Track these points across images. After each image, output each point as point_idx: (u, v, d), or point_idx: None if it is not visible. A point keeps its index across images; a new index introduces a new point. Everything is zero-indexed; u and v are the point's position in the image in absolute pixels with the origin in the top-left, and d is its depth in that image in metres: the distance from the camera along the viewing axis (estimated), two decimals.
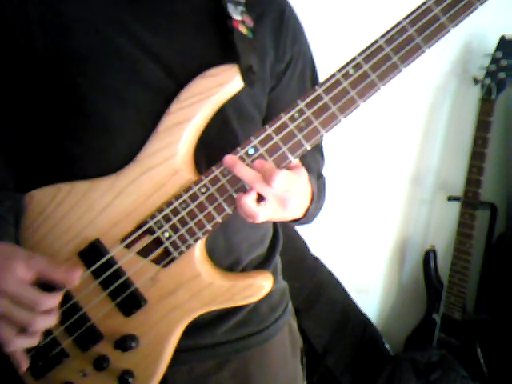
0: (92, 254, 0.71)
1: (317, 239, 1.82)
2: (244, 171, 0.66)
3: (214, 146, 0.74)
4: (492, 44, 1.75)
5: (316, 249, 1.81)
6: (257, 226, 0.79)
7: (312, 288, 1.77)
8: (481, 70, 1.78)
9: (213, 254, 0.76)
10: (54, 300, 0.64)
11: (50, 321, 0.64)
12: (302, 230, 1.77)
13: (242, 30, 0.74)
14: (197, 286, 0.72)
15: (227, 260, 0.78)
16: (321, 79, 0.70)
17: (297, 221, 0.80)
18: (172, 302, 0.72)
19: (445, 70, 1.88)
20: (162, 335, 0.73)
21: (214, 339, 0.78)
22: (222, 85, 0.70)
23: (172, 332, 0.73)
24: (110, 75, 0.71)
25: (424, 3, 0.66)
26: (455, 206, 1.88)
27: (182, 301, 0.72)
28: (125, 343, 0.71)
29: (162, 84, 0.72)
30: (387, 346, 1.89)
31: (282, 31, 0.82)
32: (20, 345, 0.64)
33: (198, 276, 0.72)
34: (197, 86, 0.71)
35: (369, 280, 2.05)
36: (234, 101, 0.73)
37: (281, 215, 0.70)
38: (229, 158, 0.67)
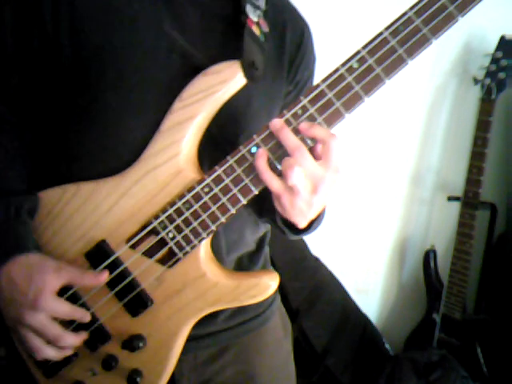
0: (98, 254, 0.71)
1: (317, 239, 1.82)
2: (291, 137, 0.65)
3: (217, 144, 0.74)
4: (492, 44, 1.76)
5: (316, 249, 1.81)
6: (250, 223, 0.81)
7: (312, 288, 1.77)
8: (481, 70, 1.78)
9: (215, 253, 0.76)
10: (85, 317, 0.70)
11: (77, 339, 0.70)
12: None
13: (255, 30, 0.74)
14: (202, 285, 0.72)
15: (228, 257, 0.79)
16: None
17: (298, 231, 0.78)
18: (178, 301, 0.72)
19: (445, 70, 1.88)
20: (169, 335, 0.73)
21: (215, 327, 0.80)
22: (224, 82, 0.69)
23: (179, 332, 0.73)
24: (135, 71, 0.70)
25: None
26: (455, 206, 1.88)
27: (187, 301, 0.72)
28: (132, 343, 0.72)
29: (184, 84, 0.71)
30: (387, 345, 1.89)
31: (297, 54, 0.82)
32: (48, 355, 0.70)
33: (203, 276, 0.72)
34: (199, 83, 0.70)
35: (369, 280, 2.05)
36: (244, 98, 0.73)
37: (305, 203, 0.67)
38: (277, 121, 0.66)
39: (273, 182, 0.65)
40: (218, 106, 0.71)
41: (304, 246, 1.78)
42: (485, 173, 1.78)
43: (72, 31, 0.68)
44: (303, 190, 0.64)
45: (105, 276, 0.70)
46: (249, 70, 0.70)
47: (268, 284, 0.73)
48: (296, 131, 0.66)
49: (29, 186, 0.74)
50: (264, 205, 0.78)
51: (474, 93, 1.82)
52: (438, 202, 2.02)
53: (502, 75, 1.73)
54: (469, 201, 1.81)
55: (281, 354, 0.93)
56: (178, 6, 0.73)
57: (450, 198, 1.91)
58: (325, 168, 0.65)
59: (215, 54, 0.72)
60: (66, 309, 0.68)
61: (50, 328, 0.68)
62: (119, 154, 0.71)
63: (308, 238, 1.78)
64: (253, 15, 0.75)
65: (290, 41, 0.82)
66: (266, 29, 0.76)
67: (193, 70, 0.70)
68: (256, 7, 0.76)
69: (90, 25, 0.69)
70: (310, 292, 1.76)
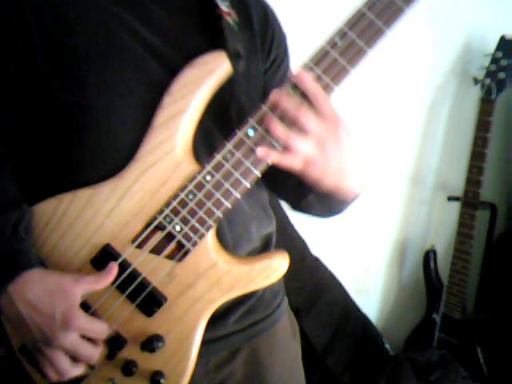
0: (104, 259, 0.70)
1: (317, 239, 1.82)
2: (289, 104, 0.67)
3: (210, 133, 0.75)
4: (492, 44, 1.75)
5: (316, 249, 1.81)
6: (254, 218, 0.81)
7: (312, 288, 1.77)
8: (481, 69, 1.78)
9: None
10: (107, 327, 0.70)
11: (100, 351, 0.70)
12: (301, 230, 1.77)
13: (229, 19, 0.76)
14: (215, 274, 0.71)
15: (236, 253, 0.79)
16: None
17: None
18: (192, 294, 0.72)
19: (445, 70, 1.88)
20: (187, 330, 0.72)
21: (226, 330, 0.80)
22: (212, 73, 0.70)
23: (196, 325, 0.72)
24: (113, 72, 0.70)
25: None
26: (455, 206, 1.88)
27: (202, 292, 0.72)
28: (151, 344, 0.70)
29: (163, 81, 0.71)
30: (387, 346, 1.89)
31: (266, 32, 0.85)
32: (76, 374, 0.68)
33: (215, 265, 0.71)
34: (187, 76, 0.70)
35: (369, 280, 2.05)
36: (231, 89, 0.74)
37: (324, 166, 0.68)
38: (275, 93, 0.67)
39: (294, 163, 0.67)
40: (208, 96, 0.71)
41: (304, 246, 1.78)
42: (485, 173, 1.78)
43: (46, 47, 0.69)
44: (312, 149, 0.67)
45: (115, 268, 0.69)
46: (235, 59, 0.71)
47: (280, 263, 0.74)
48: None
49: (26, 197, 0.73)
50: (302, 189, 0.78)
51: (474, 93, 1.82)
52: (437, 202, 2.02)
53: (501, 75, 1.73)
54: (469, 201, 1.81)
55: (290, 354, 0.93)
56: (144, 8, 0.74)
57: (449, 198, 1.91)
58: (323, 119, 0.67)
59: (191, 50, 0.73)
60: (99, 326, 0.68)
61: (83, 347, 0.67)
62: (113, 156, 0.71)
63: (308, 238, 1.79)
64: (223, 6, 0.76)
65: (257, 22, 0.84)
66: (236, 18, 0.78)
67: (170, 68, 0.71)
68: None
69: (63, 37, 0.69)
70: (310, 292, 1.76)
